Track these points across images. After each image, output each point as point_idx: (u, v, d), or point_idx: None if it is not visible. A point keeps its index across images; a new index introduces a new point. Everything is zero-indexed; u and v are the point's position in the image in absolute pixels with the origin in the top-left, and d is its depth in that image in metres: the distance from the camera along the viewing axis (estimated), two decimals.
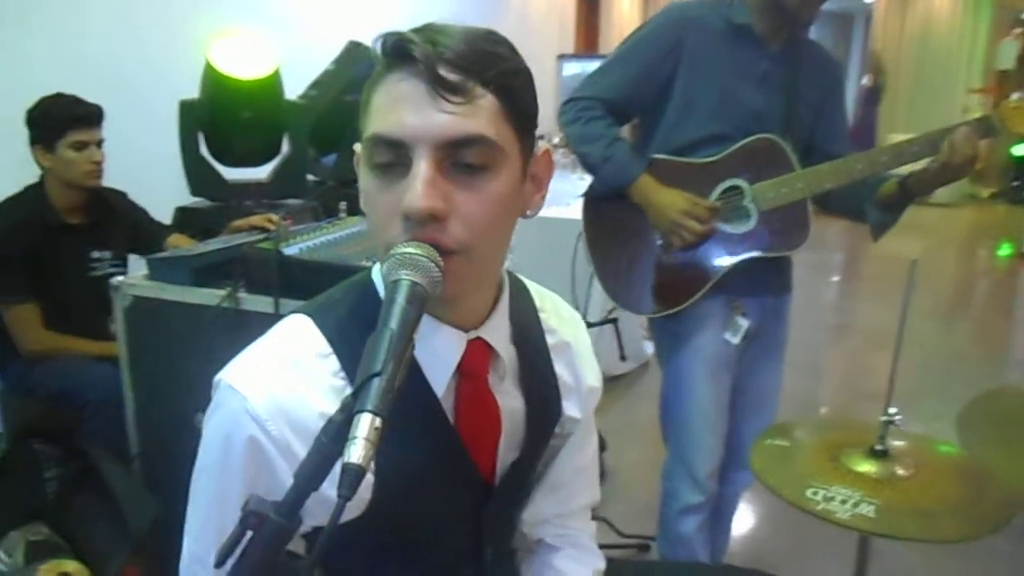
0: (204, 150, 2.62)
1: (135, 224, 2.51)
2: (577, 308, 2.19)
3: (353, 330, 0.80)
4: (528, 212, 0.84)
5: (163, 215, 2.61)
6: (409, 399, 0.62)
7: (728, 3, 1.79)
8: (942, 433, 1.56)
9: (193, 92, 2.55)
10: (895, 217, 1.82)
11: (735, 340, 1.83)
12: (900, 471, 1.28)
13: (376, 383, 0.59)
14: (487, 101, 0.74)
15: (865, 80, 10.89)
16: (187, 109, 2.58)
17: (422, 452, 0.81)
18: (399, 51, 0.73)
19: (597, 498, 1.12)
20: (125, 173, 2.53)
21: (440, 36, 0.73)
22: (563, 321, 1.02)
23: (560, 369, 0.99)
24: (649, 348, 4.08)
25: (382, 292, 0.83)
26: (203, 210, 2.66)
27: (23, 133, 2.25)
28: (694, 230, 1.74)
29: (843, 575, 1.46)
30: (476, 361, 0.85)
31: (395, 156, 0.74)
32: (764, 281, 1.86)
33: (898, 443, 1.36)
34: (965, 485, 1.27)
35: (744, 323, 1.82)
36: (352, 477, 0.55)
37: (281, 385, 0.77)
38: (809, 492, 1.21)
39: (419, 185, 0.71)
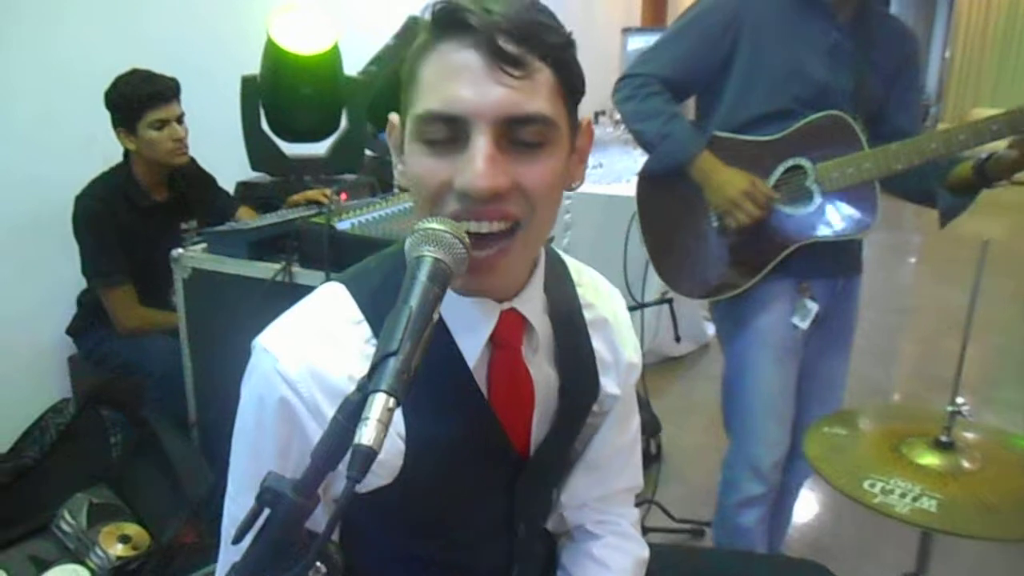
0: (265, 125, 2.65)
1: (207, 193, 2.56)
2: (630, 289, 2.17)
3: (386, 299, 0.79)
4: (573, 184, 0.83)
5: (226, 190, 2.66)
6: (441, 368, 0.61)
7: None
8: (1019, 425, 1.47)
9: (255, 68, 2.58)
10: (967, 202, 1.70)
11: (803, 325, 1.75)
12: (966, 464, 1.21)
13: (392, 363, 0.58)
14: (544, 76, 0.72)
15: (947, 54, 10.39)
16: (248, 85, 2.60)
17: (454, 422, 0.80)
18: (452, 19, 0.71)
19: (639, 483, 1.08)
20: (189, 148, 2.58)
21: (491, 3, 0.71)
22: (601, 296, 0.99)
23: (598, 344, 0.96)
24: (710, 329, 3.99)
25: None
26: (263, 184, 2.70)
27: (93, 115, 2.29)
28: (751, 213, 1.67)
29: (905, 568, 1.40)
30: (509, 332, 0.84)
31: (451, 132, 0.71)
32: (834, 262, 1.78)
33: (967, 435, 1.28)
34: None
35: (813, 307, 1.74)
36: (362, 459, 0.53)
37: (312, 348, 0.77)
38: (866, 484, 1.15)
39: (480, 163, 0.69)
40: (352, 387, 0.75)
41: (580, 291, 0.96)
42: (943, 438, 1.23)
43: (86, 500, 2.03)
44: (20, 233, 2.45)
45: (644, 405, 2.68)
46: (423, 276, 0.64)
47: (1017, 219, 7.28)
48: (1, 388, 2.42)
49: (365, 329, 0.80)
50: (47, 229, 2.39)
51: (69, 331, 2.48)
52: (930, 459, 1.22)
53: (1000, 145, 1.60)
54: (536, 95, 0.71)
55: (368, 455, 0.53)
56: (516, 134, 0.71)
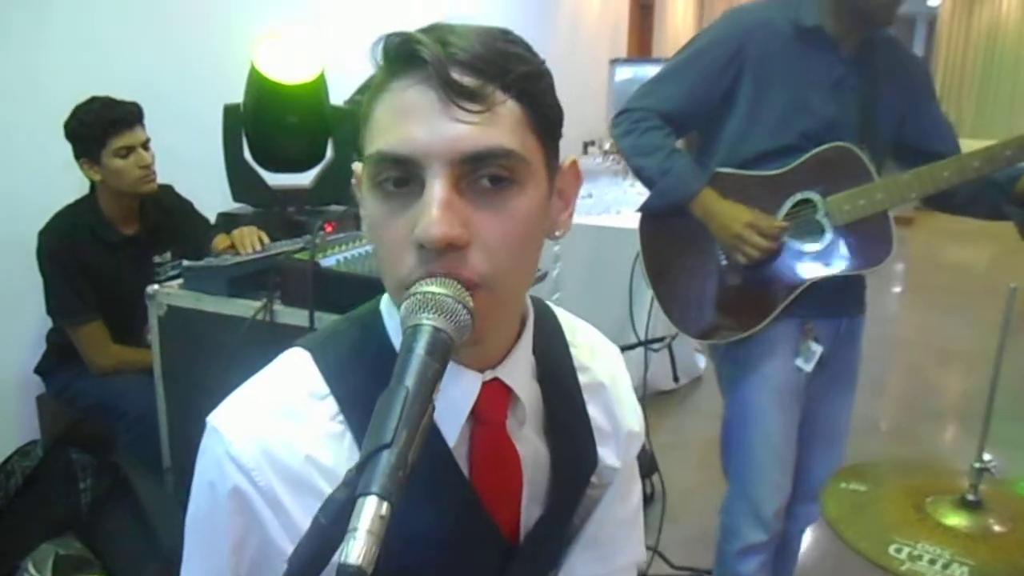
0: (248, 155, 2.57)
1: (184, 221, 2.47)
2: (634, 327, 2.10)
3: (354, 369, 0.72)
4: (556, 232, 0.73)
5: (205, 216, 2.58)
6: None
7: (794, 5, 1.65)
8: (1017, 461, 1.41)
9: (236, 96, 2.50)
10: None
11: (808, 367, 1.69)
12: (997, 526, 1.13)
13: (385, 457, 0.49)
14: (508, 108, 0.63)
15: None
16: (231, 113, 2.52)
17: (433, 508, 0.70)
18: (404, 54, 0.63)
19: (642, 556, 0.99)
20: (167, 178, 2.50)
21: (451, 36, 0.63)
22: (597, 357, 0.90)
23: (594, 411, 0.86)
24: (701, 362, 3.93)
25: (389, 326, 0.74)
26: (245, 216, 2.61)
27: (68, 143, 2.20)
28: (759, 245, 1.61)
29: None
30: (492, 405, 0.74)
31: (404, 176, 0.63)
32: (839, 301, 1.72)
33: (988, 489, 1.21)
34: None
35: (818, 349, 1.69)
36: None
37: (269, 429, 0.68)
38: (892, 548, 1.07)
39: (434, 210, 0.60)
40: (312, 470, 0.67)
41: (574, 352, 0.87)
42: (970, 496, 1.16)
43: (52, 551, 1.92)
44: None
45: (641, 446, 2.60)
46: (421, 349, 0.55)
47: (1001, 246, 7.31)
48: None
49: (330, 405, 0.70)
50: (16, 261, 2.29)
51: (38, 370, 2.36)
52: (957, 519, 1.14)
53: None
54: (496, 128, 0.62)
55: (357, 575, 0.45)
56: (478, 173, 0.63)
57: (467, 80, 0.61)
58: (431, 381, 0.54)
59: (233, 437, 0.67)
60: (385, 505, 0.47)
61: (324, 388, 0.71)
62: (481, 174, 0.63)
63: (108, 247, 2.24)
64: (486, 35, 0.64)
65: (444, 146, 0.61)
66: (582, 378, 0.86)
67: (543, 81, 0.68)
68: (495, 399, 0.74)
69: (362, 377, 0.71)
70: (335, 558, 0.47)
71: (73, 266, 2.17)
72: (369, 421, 0.52)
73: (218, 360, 1.85)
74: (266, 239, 2.13)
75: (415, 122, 0.61)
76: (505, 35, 0.66)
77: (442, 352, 0.56)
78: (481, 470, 0.74)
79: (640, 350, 2.06)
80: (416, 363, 0.54)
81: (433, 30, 0.64)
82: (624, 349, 2.19)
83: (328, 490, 0.67)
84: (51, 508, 2.06)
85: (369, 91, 0.67)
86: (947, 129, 1.78)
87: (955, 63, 10.63)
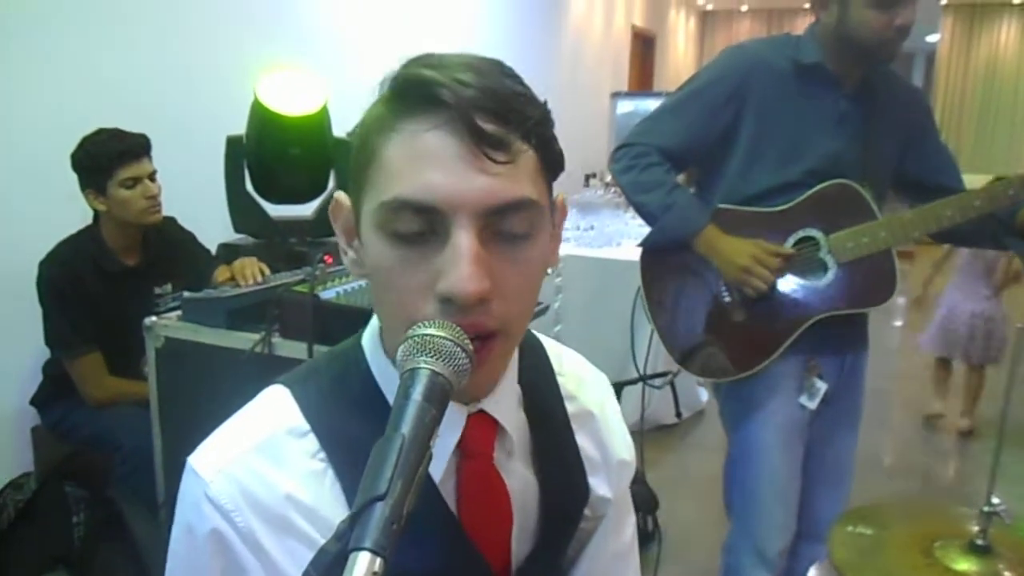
0: (249, 186, 2.57)
1: (186, 253, 2.46)
2: (636, 363, 2.09)
3: (335, 405, 0.70)
4: (549, 269, 0.75)
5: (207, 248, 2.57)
6: None
7: (793, 43, 1.66)
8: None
9: (238, 128, 2.51)
10: None
11: (812, 405, 1.67)
12: (1006, 572, 1.10)
13: (379, 510, 0.47)
14: (527, 157, 0.62)
15: None
16: (234, 145, 2.53)
17: (420, 545, 0.67)
18: (419, 93, 0.61)
19: None
20: (170, 208, 2.50)
21: (462, 73, 0.61)
22: (585, 386, 0.88)
23: (583, 442, 0.84)
24: (703, 395, 3.91)
25: (372, 364, 0.73)
26: (246, 247, 2.60)
27: (73, 174, 2.20)
28: (765, 278, 1.60)
29: None
30: (479, 438, 0.72)
31: (425, 223, 0.61)
32: (843, 337, 1.71)
33: (997, 534, 1.18)
34: None
35: (822, 386, 1.67)
36: None
37: (247, 469, 0.66)
38: None
39: (465, 266, 0.59)
40: (292, 510, 0.66)
41: (561, 380, 0.85)
42: (979, 541, 1.13)
43: None
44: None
45: (641, 480, 2.56)
46: (418, 395, 0.53)
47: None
48: None
49: (311, 441, 0.69)
50: (17, 291, 2.27)
51: (33, 401, 2.34)
52: (967, 565, 1.11)
53: None
54: (519, 179, 0.61)
55: None
56: (500, 224, 0.62)
57: (491, 127, 0.59)
58: (428, 428, 0.52)
59: (211, 478, 0.66)
60: (379, 561, 0.45)
61: (304, 425, 0.69)
62: (502, 225, 0.62)
63: (109, 277, 2.23)
64: (491, 72, 0.63)
65: (472, 197, 0.59)
66: (570, 407, 0.84)
67: (551, 124, 0.67)
68: (481, 431, 0.72)
69: (344, 413, 0.69)
70: None
71: (72, 297, 2.16)
72: (350, 457, 0.51)
73: (215, 393, 1.82)
74: (267, 271, 2.12)
75: (438, 170, 0.59)
76: (503, 69, 0.65)
77: (440, 397, 0.54)
78: (468, 505, 0.72)
79: (641, 384, 2.04)
80: (413, 409, 0.52)
81: (440, 66, 0.62)
82: (625, 384, 2.18)
83: (309, 530, 0.66)
84: (44, 542, 2.03)
85: (369, 126, 0.65)
86: (948, 161, 1.78)
87: (954, 98, 10.74)
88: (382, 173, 0.62)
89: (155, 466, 1.96)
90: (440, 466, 0.70)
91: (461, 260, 0.59)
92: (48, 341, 2.21)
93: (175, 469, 1.93)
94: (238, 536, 0.65)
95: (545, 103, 0.67)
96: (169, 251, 2.40)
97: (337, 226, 0.71)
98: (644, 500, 2.59)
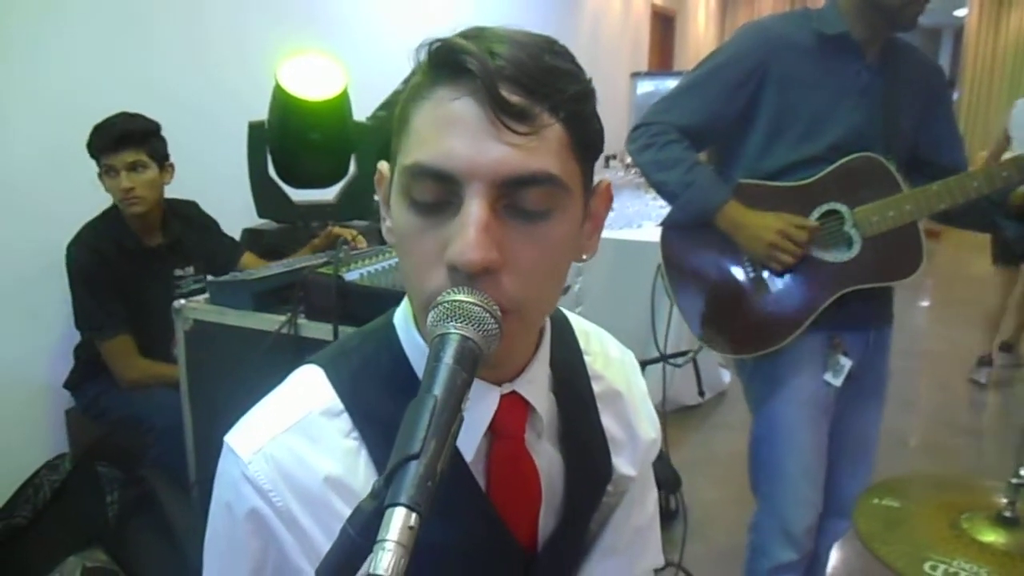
0: (272, 172, 2.60)
1: (209, 238, 2.50)
2: (657, 343, 2.09)
3: (368, 384, 0.71)
4: (584, 256, 0.72)
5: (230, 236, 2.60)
6: None
7: (814, 16, 1.64)
8: None
9: (261, 114, 2.53)
10: None
11: (837, 382, 1.67)
12: None
13: (413, 468, 0.48)
14: (554, 131, 0.61)
15: (955, 96, 10.44)
16: (256, 131, 2.56)
17: (451, 523, 0.68)
18: (449, 62, 0.61)
19: (660, 560, 0.97)
20: (194, 193, 2.53)
21: (497, 45, 0.61)
22: (612, 365, 0.88)
23: (608, 422, 0.85)
24: (726, 376, 3.90)
25: (404, 342, 0.73)
26: (270, 231, 2.64)
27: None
28: (793, 251, 1.60)
29: None
30: (511, 419, 0.73)
31: (442, 192, 0.61)
32: (866, 312, 1.70)
33: None
34: None
35: (847, 363, 1.66)
36: None
37: (284, 449, 0.68)
38: (927, 566, 1.04)
39: (472, 232, 0.59)
40: (328, 488, 0.67)
41: (588, 360, 0.86)
42: (1007, 513, 1.13)
43: (79, 564, 1.94)
44: (22, 280, 2.38)
45: (665, 460, 2.57)
46: (449, 358, 0.54)
47: None
48: None
49: (345, 421, 0.70)
50: (49, 276, 2.32)
51: (66, 384, 2.39)
52: (994, 536, 1.11)
53: None
54: (541, 152, 0.60)
55: None
56: (518, 197, 0.61)
57: (515, 98, 0.59)
58: (459, 390, 0.53)
59: (249, 458, 0.67)
60: (414, 516, 0.46)
61: (338, 404, 0.70)
62: (521, 197, 0.61)
63: (132, 257, 2.27)
64: (533, 46, 0.62)
65: (487, 166, 0.59)
66: (596, 387, 0.85)
67: (590, 102, 0.66)
68: (513, 413, 0.73)
69: (376, 392, 0.70)
70: (363, 569, 0.46)
71: (101, 279, 2.20)
72: (384, 435, 0.51)
73: (243, 373, 1.85)
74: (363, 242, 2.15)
75: (458, 137, 0.60)
76: (552, 46, 0.64)
77: (470, 361, 0.55)
78: (499, 483, 0.73)
79: (662, 364, 2.04)
80: (444, 372, 0.53)
81: (479, 37, 0.62)
82: (647, 364, 2.18)
83: (344, 507, 0.67)
84: (78, 521, 2.08)
85: (405, 94, 0.65)
86: (958, 140, 1.77)
87: (983, 74, 10.51)
88: (410, 139, 0.63)
89: (186, 445, 2.00)
90: (472, 446, 0.71)
91: (468, 227, 0.59)
92: (78, 323, 2.26)
93: (206, 448, 1.98)
94: (276, 515, 0.67)
95: (589, 82, 0.66)
96: (191, 234, 2.43)
97: (380, 195, 0.72)
98: (667, 479, 2.60)
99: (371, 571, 0.44)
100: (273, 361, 1.82)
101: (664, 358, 1.99)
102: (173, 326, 2.10)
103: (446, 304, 0.58)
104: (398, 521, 0.46)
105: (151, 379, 2.26)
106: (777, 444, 1.73)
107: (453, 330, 0.56)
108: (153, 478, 2.04)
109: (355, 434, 0.69)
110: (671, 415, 3.59)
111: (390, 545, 0.45)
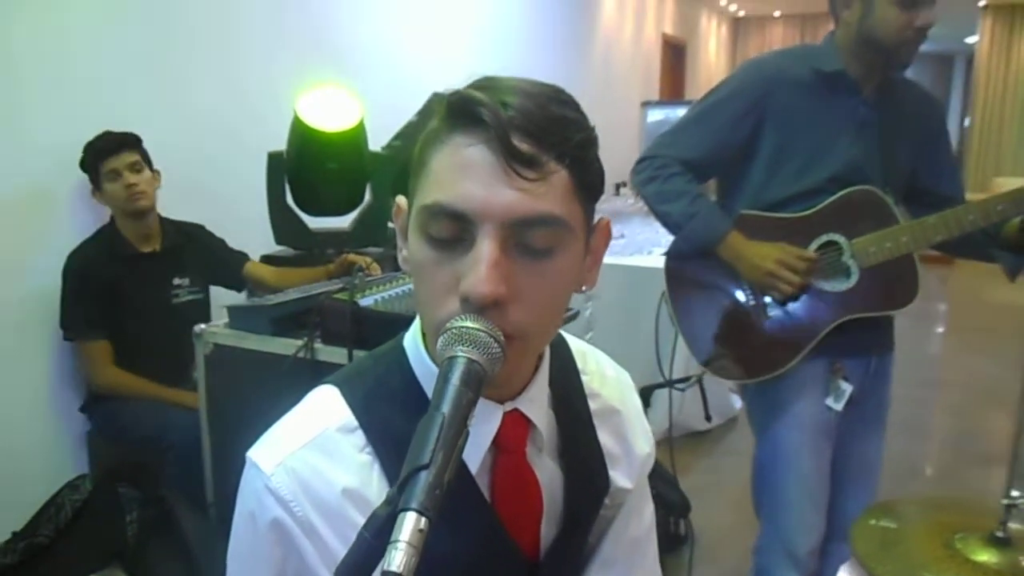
0: (290, 199, 2.67)
1: (213, 253, 2.61)
2: (661, 368, 2.13)
3: (380, 402, 0.76)
4: (584, 288, 0.78)
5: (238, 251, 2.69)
6: None
7: (812, 53, 1.71)
8: None
9: (279, 144, 2.62)
10: None
11: (838, 406, 1.70)
12: None
13: (423, 477, 0.54)
14: (560, 177, 0.67)
15: (967, 122, 10.45)
16: (275, 160, 2.64)
17: (457, 531, 0.73)
18: (465, 112, 0.67)
19: (658, 573, 1.02)
20: (213, 221, 2.61)
21: (508, 96, 0.67)
22: (607, 384, 0.94)
23: (604, 437, 0.91)
24: (737, 403, 3.91)
25: (414, 363, 0.79)
26: (287, 258, 2.71)
27: None
28: (792, 281, 1.64)
29: None
30: (513, 435, 0.79)
31: (457, 229, 0.68)
32: (867, 340, 1.74)
33: (1018, 526, 1.21)
34: None
35: (847, 388, 1.70)
36: None
37: (304, 463, 0.73)
38: None
39: (483, 269, 0.65)
40: (344, 499, 0.72)
41: (585, 379, 0.91)
42: (999, 533, 1.16)
43: None
44: (47, 305, 2.45)
45: (673, 484, 2.59)
46: (456, 379, 0.60)
47: None
48: (19, 464, 2.39)
49: (359, 437, 0.75)
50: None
51: (82, 409, 2.48)
52: (987, 556, 1.14)
53: None
54: (548, 196, 0.67)
55: None
56: (525, 236, 0.67)
57: (525, 146, 0.65)
58: (465, 408, 0.58)
59: (271, 471, 0.72)
60: (424, 520, 0.51)
61: (353, 421, 0.76)
62: (528, 236, 0.67)
63: (124, 261, 2.40)
64: (541, 96, 0.69)
65: (499, 209, 0.65)
66: (593, 404, 0.90)
67: (593, 147, 0.72)
68: (515, 429, 0.78)
69: (388, 410, 0.76)
70: (378, 569, 0.51)
71: (88, 285, 2.33)
72: (395, 450, 0.56)
73: (261, 396, 1.91)
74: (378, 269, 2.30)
75: (473, 181, 0.66)
76: (559, 95, 0.71)
77: (476, 382, 0.61)
78: (503, 495, 0.79)
79: (670, 389, 2.08)
80: (452, 392, 0.59)
81: (491, 88, 0.68)
82: (653, 389, 2.22)
83: (359, 517, 0.71)
84: (98, 540, 2.13)
85: (424, 138, 0.72)
86: (956, 173, 1.83)
87: (995, 100, 10.54)
88: (428, 180, 0.69)
89: (204, 466, 2.05)
90: (477, 460, 0.76)
91: (480, 264, 0.65)
92: (62, 324, 2.37)
93: (223, 468, 2.03)
94: (296, 524, 0.72)
95: (592, 129, 0.72)
96: (191, 249, 2.55)
97: (397, 226, 0.78)
98: (676, 504, 2.62)
99: (386, 568, 0.49)
100: (290, 384, 1.86)
101: (670, 383, 2.03)
102: (167, 334, 2.31)
103: (455, 330, 0.64)
104: (409, 524, 0.51)
105: (120, 388, 2.37)
106: (780, 467, 1.76)
107: (460, 353, 0.62)
108: (172, 498, 2.09)
109: (369, 449, 0.75)
110: (683, 440, 3.61)
111: (402, 545, 0.50)
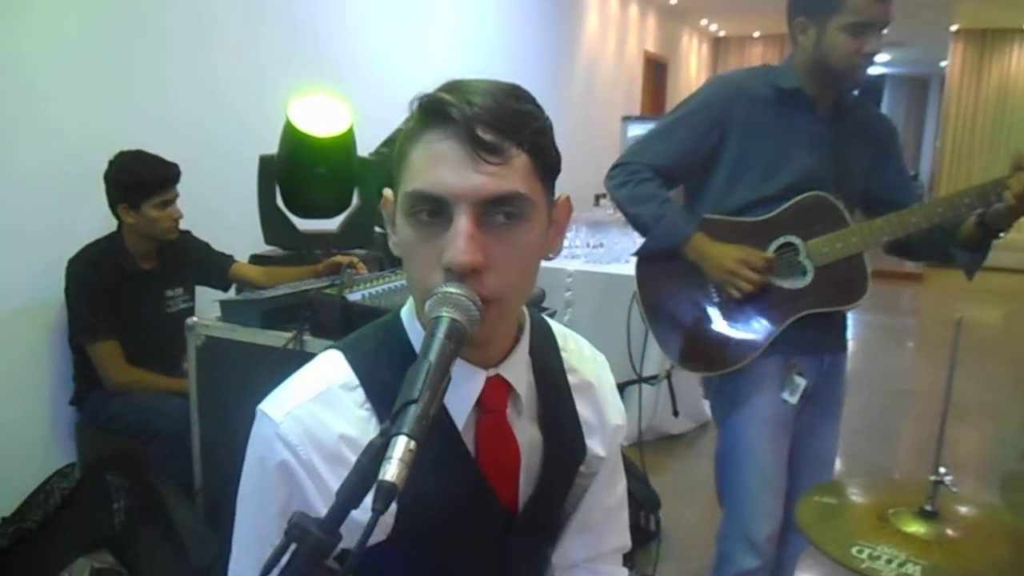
0: (280, 202, 2.76)
1: (201, 259, 2.70)
2: (633, 365, 2.24)
3: (379, 364, 0.88)
4: (550, 255, 0.90)
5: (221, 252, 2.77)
6: (432, 431, 0.67)
7: (772, 72, 1.85)
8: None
9: (270, 147, 2.71)
10: (983, 255, 1.81)
11: (793, 400, 1.82)
12: (950, 532, 1.25)
13: (412, 409, 0.64)
14: (520, 160, 0.79)
15: (938, 143, 10.72)
16: (266, 164, 2.73)
17: (443, 481, 0.86)
18: (437, 110, 0.79)
19: (627, 543, 1.13)
20: (204, 223, 2.70)
21: (473, 96, 0.79)
22: (585, 361, 1.05)
23: (582, 408, 1.02)
24: (708, 407, 4.02)
25: (409, 330, 0.90)
26: (276, 258, 2.79)
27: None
28: (751, 279, 1.77)
29: None
30: (495, 396, 0.90)
31: (435, 210, 0.79)
32: (820, 339, 1.86)
33: (955, 506, 1.33)
34: (1019, 549, 1.23)
35: (802, 382, 1.82)
36: (385, 493, 0.60)
37: (309, 413, 0.84)
38: (854, 550, 1.19)
39: (461, 241, 0.76)
40: (344, 447, 0.83)
41: (564, 356, 1.03)
42: (928, 507, 1.28)
43: (88, 565, 2.04)
44: (43, 303, 2.53)
45: (643, 481, 2.70)
46: (441, 334, 0.71)
47: (1018, 305, 7.37)
48: (10, 453, 2.45)
49: (359, 394, 0.86)
50: (61, 298, 2.47)
51: (72, 402, 2.55)
52: (916, 527, 1.26)
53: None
54: (511, 177, 0.78)
55: (391, 489, 0.59)
56: (495, 211, 0.78)
57: (489, 137, 0.77)
58: (448, 357, 0.70)
59: (280, 419, 0.84)
60: (413, 442, 0.62)
61: (354, 380, 0.87)
62: (497, 212, 0.79)
63: (127, 277, 2.47)
64: (501, 93, 0.81)
65: (470, 190, 0.77)
66: (571, 378, 1.02)
67: (547, 134, 0.84)
68: (497, 392, 0.90)
69: (385, 371, 0.87)
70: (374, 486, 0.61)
71: (95, 289, 2.40)
72: (390, 406, 0.67)
73: (250, 387, 2.00)
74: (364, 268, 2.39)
75: (446, 169, 0.77)
76: (516, 91, 0.83)
77: (457, 337, 0.72)
78: (485, 450, 0.90)
79: (642, 387, 2.19)
80: (437, 344, 0.70)
81: (457, 90, 0.80)
82: (624, 385, 2.33)
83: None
84: (87, 526, 2.19)
85: (403, 135, 0.83)
86: (909, 182, 1.98)
87: (965, 123, 10.82)
88: (409, 171, 0.81)
89: (192, 453, 2.13)
90: (462, 417, 0.88)
91: (458, 238, 0.77)
92: (72, 328, 2.44)
93: (211, 457, 2.11)
94: (301, 466, 0.83)
95: (546, 119, 0.84)
96: (182, 260, 2.64)
97: (385, 216, 0.89)
98: (646, 499, 2.73)
99: (380, 477, 0.60)
100: (279, 375, 1.96)
101: (640, 379, 2.15)
102: (162, 338, 2.41)
103: (439, 295, 0.75)
104: (401, 445, 0.62)
105: (135, 383, 2.43)
106: (739, 457, 1.87)
107: (445, 313, 0.73)
108: (159, 484, 2.16)
109: (368, 405, 0.86)
110: (656, 443, 3.72)
111: (395, 461, 0.61)
